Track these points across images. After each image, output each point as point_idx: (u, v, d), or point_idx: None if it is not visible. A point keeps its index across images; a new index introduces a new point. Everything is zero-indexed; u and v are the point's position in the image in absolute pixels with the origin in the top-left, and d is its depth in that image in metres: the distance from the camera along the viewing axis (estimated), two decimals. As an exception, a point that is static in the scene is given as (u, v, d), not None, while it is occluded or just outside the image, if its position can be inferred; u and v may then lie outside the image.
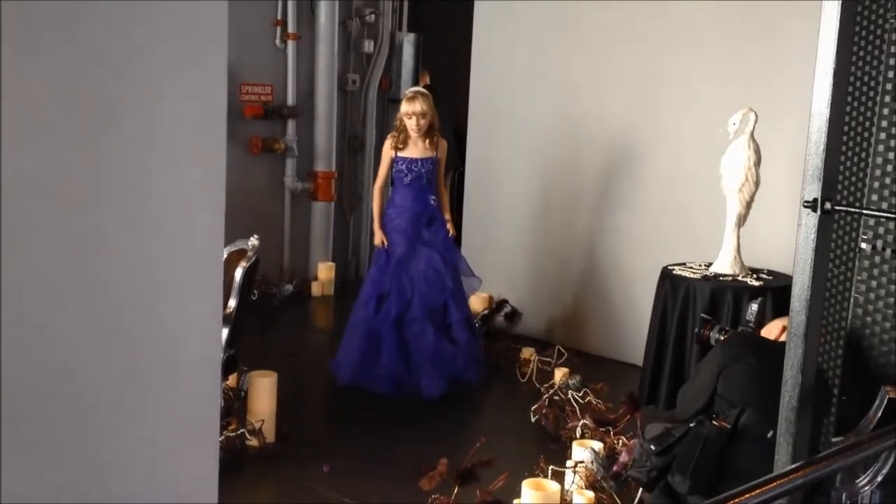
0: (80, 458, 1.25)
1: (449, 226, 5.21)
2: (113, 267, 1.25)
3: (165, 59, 1.26)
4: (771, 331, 3.62)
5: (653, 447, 3.32)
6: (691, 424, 3.25)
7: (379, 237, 5.20)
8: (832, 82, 2.18)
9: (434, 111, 5.06)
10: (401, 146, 5.10)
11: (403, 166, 5.11)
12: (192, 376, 1.38)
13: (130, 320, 1.28)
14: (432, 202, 5.16)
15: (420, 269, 5.08)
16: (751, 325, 3.72)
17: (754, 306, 3.77)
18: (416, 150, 5.10)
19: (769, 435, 2.86)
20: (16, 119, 1.10)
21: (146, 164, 1.26)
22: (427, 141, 5.07)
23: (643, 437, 3.55)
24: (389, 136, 5.22)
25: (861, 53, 2.82)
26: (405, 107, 5.03)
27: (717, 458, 3.13)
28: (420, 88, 5.18)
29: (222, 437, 3.90)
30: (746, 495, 1.49)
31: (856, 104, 2.86)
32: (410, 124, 5.00)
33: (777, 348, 3.38)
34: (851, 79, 2.80)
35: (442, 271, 5.09)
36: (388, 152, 5.15)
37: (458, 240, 5.57)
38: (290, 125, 7.13)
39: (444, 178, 5.39)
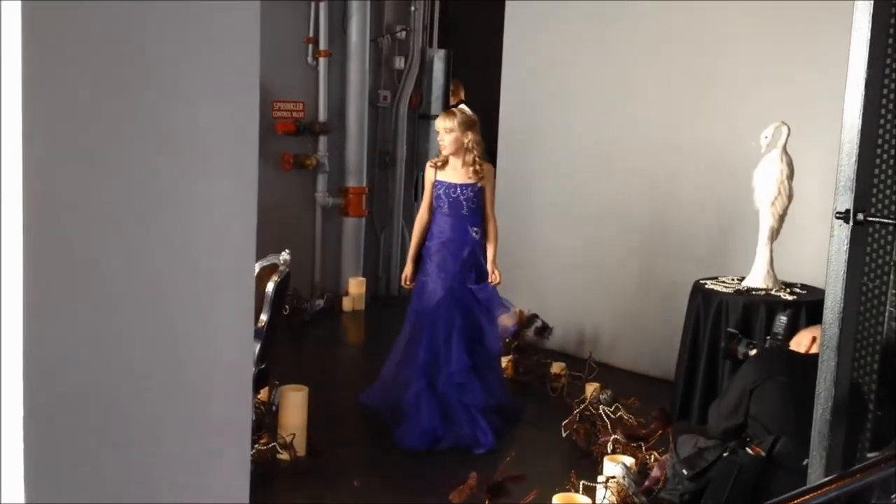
0: (112, 471, 1.26)
1: (492, 272, 4.73)
2: (146, 281, 1.27)
3: (198, 77, 1.28)
4: (800, 342, 3.58)
5: (685, 471, 3.30)
6: (725, 453, 3.21)
7: (406, 273, 4.82)
8: (864, 92, 2.16)
9: (473, 132, 4.59)
10: (440, 165, 4.69)
11: (441, 191, 4.66)
12: (224, 390, 1.40)
13: (163, 334, 1.30)
14: (474, 234, 4.67)
15: (455, 316, 4.62)
16: (779, 337, 3.69)
17: (783, 318, 3.73)
18: (455, 174, 4.65)
19: (804, 463, 2.83)
20: (51, 136, 1.13)
21: (179, 181, 1.28)
22: (467, 165, 4.61)
23: (675, 451, 3.53)
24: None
25: (894, 64, 2.80)
26: (436, 123, 4.72)
27: (751, 486, 3.10)
28: (464, 107, 4.92)
29: (254, 451, 3.92)
30: (779, 509, 1.47)
31: (889, 115, 2.83)
32: (439, 142, 4.66)
33: (809, 362, 3.33)
34: (885, 90, 2.77)
35: (481, 324, 4.68)
36: (428, 174, 4.75)
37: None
38: (322, 141, 7.19)
39: (493, 205, 4.86)
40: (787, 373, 3.27)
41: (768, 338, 3.89)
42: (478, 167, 4.60)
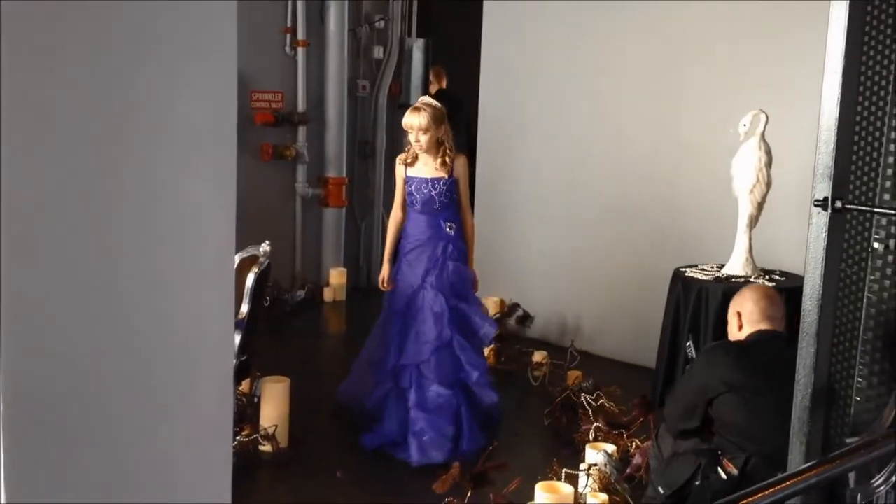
0: (94, 464, 1.26)
1: (470, 267, 4.46)
2: (125, 274, 1.26)
3: (175, 68, 1.27)
4: (732, 328, 3.53)
5: (661, 489, 3.33)
6: (699, 469, 3.21)
7: (382, 274, 4.52)
8: (841, 79, 2.18)
9: (444, 125, 4.32)
10: (410, 161, 4.41)
11: (412, 188, 4.39)
12: (205, 382, 1.39)
13: (143, 327, 1.29)
14: (448, 230, 4.39)
15: (419, 318, 4.35)
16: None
17: (689, 345, 3.84)
18: (426, 168, 4.37)
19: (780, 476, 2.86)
20: (26, 131, 1.11)
21: (157, 172, 1.27)
22: (438, 159, 4.33)
23: (656, 443, 3.53)
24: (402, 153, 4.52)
25: (871, 51, 2.81)
26: (405, 119, 4.35)
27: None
28: (429, 100, 4.41)
29: (235, 443, 3.91)
30: (759, 494, 1.48)
31: (866, 102, 2.84)
32: (411, 140, 4.34)
33: (754, 353, 3.33)
34: (862, 77, 2.78)
35: (442, 317, 4.33)
36: (398, 171, 4.46)
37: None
38: (301, 132, 7.16)
39: (468, 200, 4.55)
40: (738, 376, 3.24)
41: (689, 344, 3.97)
42: (449, 159, 4.33)
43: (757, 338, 3.41)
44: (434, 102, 4.37)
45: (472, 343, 4.42)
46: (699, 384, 3.33)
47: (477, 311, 4.50)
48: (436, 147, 4.32)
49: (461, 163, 4.40)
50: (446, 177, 4.34)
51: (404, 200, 4.45)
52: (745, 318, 3.46)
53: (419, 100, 4.46)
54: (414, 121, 4.29)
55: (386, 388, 4.38)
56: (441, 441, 4.20)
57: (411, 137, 4.31)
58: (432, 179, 4.35)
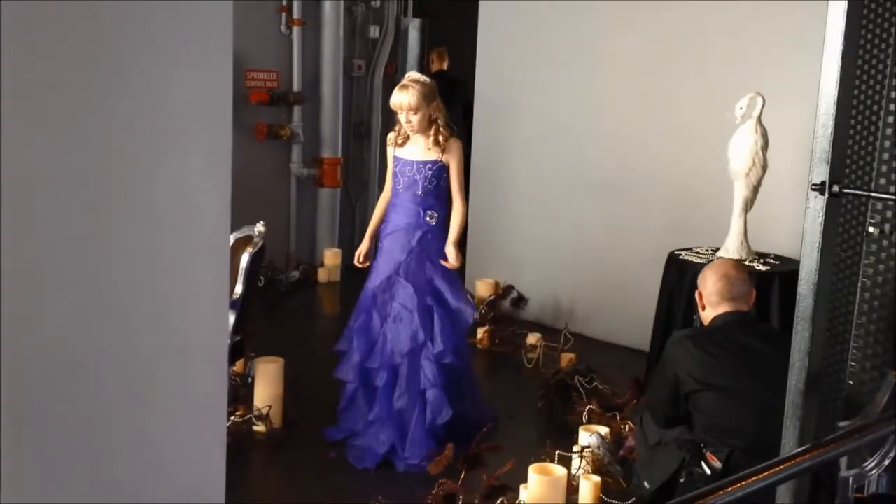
0: (87, 447, 1.25)
1: (451, 255, 4.06)
2: (118, 255, 1.25)
3: (170, 46, 1.25)
4: (703, 311, 3.43)
5: (646, 484, 3.31)
6: (682, 464, 3.18)
7: (358, 251, 4.28)
8: (840, 63, 2.17)
9: (436, 101, 4.00)
10: (400, 142, 4.09)
11: (397, 168, 4.08)
12: (199, 363, 1.39)
13: (136, 308, 1.28)
14: (428, 219, 4.05)
15: (390, 310, 4.06)
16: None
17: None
18: (415, 149, 4.06)
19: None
20: (18, 108, 1.10)
21: (151, 152, 1.26)
22: (430, 138, 4.00)
23: (641, 428, 3.51)
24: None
25: (869, 35, 2.80)
26: (393, 98, 4.01)
27: None
28: (417, 75, 4.06)
29: (229, 423, 3.92)
30: (753, 478, 1.49)
31: (864, 87, 2.84)
32: (401, 120, 4.01)
33: (719, 340, 3.25)
34: (860, 61, 2.78)
35: (413, 316, 4.01)
36: (389, 151, 4.18)
37: (461, 273, 4.43)
38: (296, 111, 7.13)
39: (462, 185, 4.20)
40: (707, 372, 3.16)
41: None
42: (442, 138, 3.99)
43: (721, 323, 3.30)
44: (423, 78, 4.04)
45: (448, 343, 4.03)
46: (671, 379, 3.25)
47: (458, 298, 4.13)
48: (428, 126, 4.00)
49: (455, 146, 4.06)
50: (435, 160, 4.02)
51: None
52: (706, 300, 3.36)
53: (406, 76, 4.09)
54: (403, 99, 3.94)
55: (354, 385, 4.13)
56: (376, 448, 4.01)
57: (401, 118, 3.99)
58: (419, 163, 4.03)
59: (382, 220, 4.22)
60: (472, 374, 4.44)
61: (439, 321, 4.03)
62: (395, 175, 4.11)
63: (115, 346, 1.26)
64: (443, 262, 4.07)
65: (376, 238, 4.25)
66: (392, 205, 4.14)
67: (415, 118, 3.96)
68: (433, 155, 4.02)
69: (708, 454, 3.14)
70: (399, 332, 4.01)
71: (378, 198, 4.36)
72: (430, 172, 4.03)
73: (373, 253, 4.27)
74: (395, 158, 4.12)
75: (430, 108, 3.98)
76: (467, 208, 4.24)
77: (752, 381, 3.15)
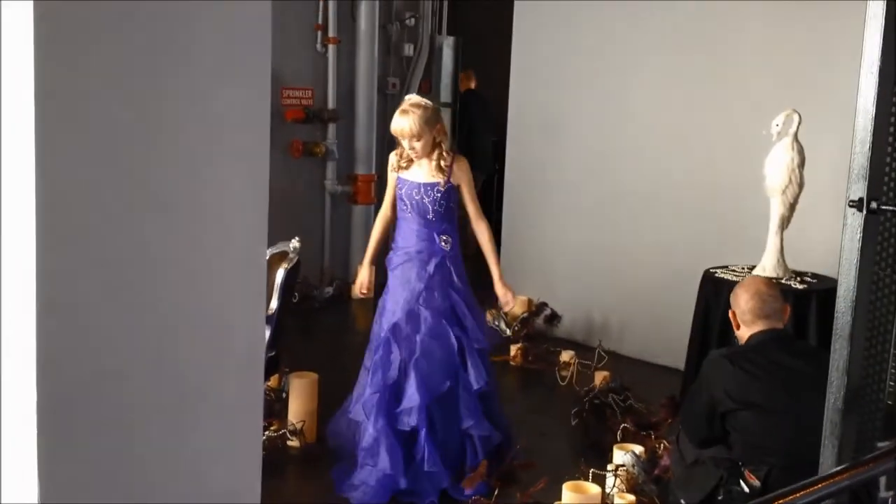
0: (125, 457, 1.27)
1: (504, 294, 3.95)
2: (158, 269, 1.27)
3: (210, 65, 1.28)
4: (739, 331, 3.40)
5: (683, 502, 3.28)
6: (720, 482, 3.14)
7: (359, 281, 4.07)
8: (877, 79, 2.15)
9: (439, 124, 3.82)
10: (404, 165, 3.87)
11: (403, 191, 3.87)
12: (235, 376, 1.40)
13: (175, 322, 1.30)
14: (443, 244, 3.84)
15: (415, 345, 3.78)
16: None
17: None
18: (420, 172, 3.84)
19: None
20: (63, 123, 1.13)
21: (191, 168, 1.28)
22: (433, 163, 3.80)
23: (678, 447, 3.48)
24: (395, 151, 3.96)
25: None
26: (393, 125, 3.81)
27: None
28: (417, 99, 3.84)
29: (264, 438, 3.94)
30: (791, 496, 1.47)
31: (902, 103, 2.81)
32: (405, 147, 3.82)
33: (756, 359, 3.21)
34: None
35: (446, 349, 3.78)
36: (390, 171, 3.95)
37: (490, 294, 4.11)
38: (331, 129, 7.18)
39: (478, 205, 3.98)
40: (744, 392, 3.13)
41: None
42: (444, 163, 3.79)
43: (758, 341, 3.27)
44: (423, 102, 3.81)
45: (482, 373, 3.84)
46: (707, 398, 3.22)
47: (481, 324, 3.92)
48: (431, 150, 3.80)
49: (461, 167, 3.84)
50: (443, 182, 3.80)
51: (394, 201, 3.95)
52: (740, 318, 3.33)
53: (406, 100, 3.86)
54: (404, 126, 3.73)
55: (377, 428, 3.76)
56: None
57: (404, 144, 3.80)
58: (426, 185, 3.81)
59: (382, 241, 4.02)
60: (499, 398, 4.19)
61: (469, 351, 3.82)
62: (400, 199, 3.88)
63: (153, 360, 1.28)
64: (501, 306, 4.04)
65: (377, 262, 4.04)
66: (400, 230, 3.92)
67: (418, 145, 3.76)
68: (439, 177, 3.81)
69: (746, 472, 3.10)
70: (433, 368, 3.74)
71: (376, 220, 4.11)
72: (440, 195, 3.81)
73: (374, 283, 4.00)
74: (400, 180, 3.89)
75: (433, 132, 3.77)
76: (491, 229, 4.01)
77: (789, 399, 3.11)
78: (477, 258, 4.23)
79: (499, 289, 3.96)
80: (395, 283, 3.89)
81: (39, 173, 1.10)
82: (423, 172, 3.83)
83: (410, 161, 3.84)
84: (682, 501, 3.28)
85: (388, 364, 3.79)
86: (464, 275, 3.89)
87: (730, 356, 3.29)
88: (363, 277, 4.05)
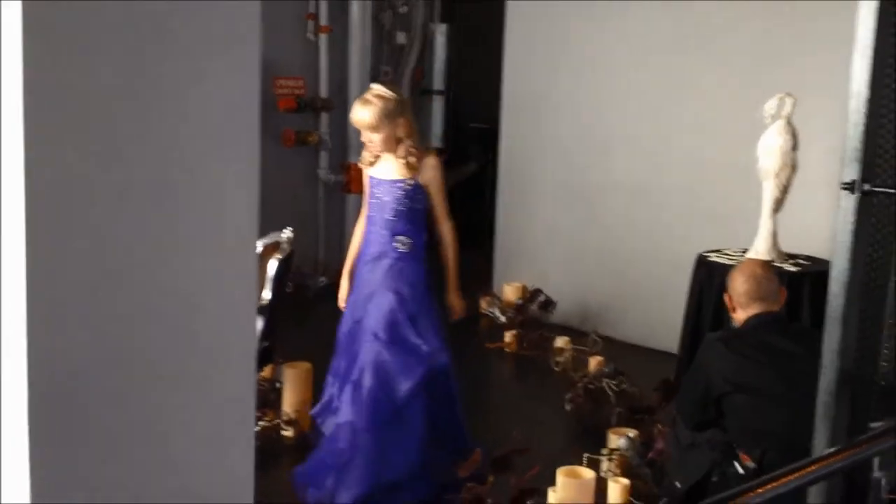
0: (116, 448, 1.27)
1: (454, 304, 3.66)
2: (148, 260, 1.26)
3: (199, 54, 1.27)
4: (730, 313, 3.43)
5: (678, 484, 3.30)
6: (713, 465, 3.16)
7: (341, 294, 3.78)
8: (871, 62, 2.15)
9: (401, 118, 3.48)
10: (372, 160, 3.59)
11: (372, 188, 3.59)
12: (228, 367, 1.40)
13: (167, 312, 1.30)
14: (399, 246, 3.55)
15: (357, 351, 3.58)
16: None
17: None
18: (388, 167, 3.55)
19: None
20: (48, 114, 1.12)
21: (179, 158, 1.28)
22: (400, 160, 3.50)
23: (675, 431, 3.50)
24: None
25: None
26: (351, 114, 3.57)
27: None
28: (382, 90, 3.50)
29: (258, 428, 3.94)
30: (785, 479, 1.47)
31: (895, 85, 2.81)
32: (366, 143, 3.54)
33: (752, 341, 3.24)
34: (890, 59, 2.75)
35: (383, 357, 3.52)
36: (364, 169, 3.67)
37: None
38: (324, 118, 7.16)
39: (446, 208, 3.63)
40: (740, 375, 3.14)
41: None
42: (411, 159, 3.49)
43: (753, 324, 3.29)
44: (386, 93, 3.48)
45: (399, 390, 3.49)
46: (703, 381, 3.25)
47: (425, 339, 3.52)
48: (394, 145, 3.50)
49: (430, 164, 3.54)
50: (408, 180, 3.51)
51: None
52: (736, 302, 3.36)
53: (370, 89, 3.55)
54: (362, 116, 3.46)
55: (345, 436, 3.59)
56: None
57: (363, 136, 3.53)
58: (389, 182, 3.53)
59: (357, 254, 3.74)
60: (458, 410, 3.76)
61: (395, 365, 3.50)
62: (370, 196, 3.63)
63: (142, 351, 1.27)
64: (452, 315, 3.64)
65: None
66: (366, 231, 3.65)
67: (376, 137, 3.48)
68: (404, 174, 3.51)
69: (741, 454, 3.13)
70: (372, 384, 3.50)
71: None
72: (402, 193, 3.51)
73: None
74: (370, 178, 3.62)
75: (395, 127, 3.46)
76: (455, 234, 3.65)
77: (784, 382, 3.13)
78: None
79: (450, 298, 3.66)
80: (353, 291, 3.68)
81: (27, 165, 1.10)
82: (390, 169, 3.54)
83: (378, 156, 3.57)
84: (678, 484, 3.29)
85: (342, 374, 3.65)
86: (421, 280, 3.56)
87: (725, 339, 3.30)
88: (342, 292, 3.77)
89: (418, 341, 3.51)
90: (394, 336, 3.50)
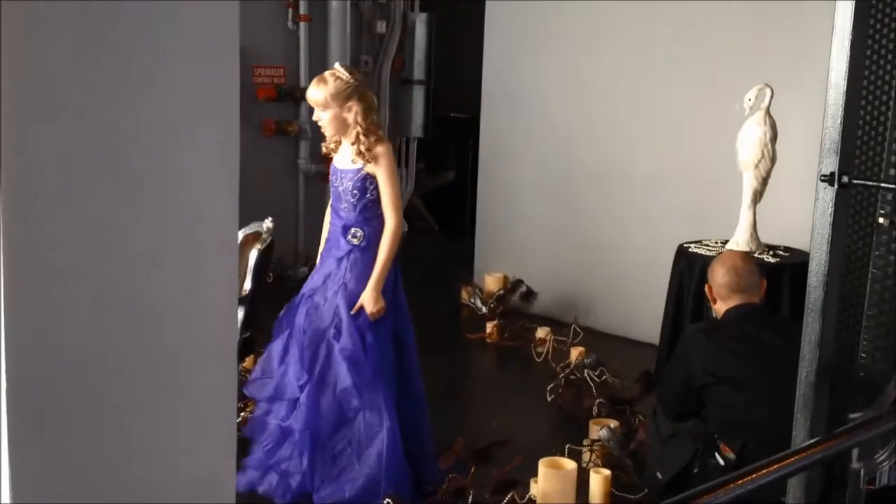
0: (94, 442, 1.26)
1: (366, 299, 3.37)
2: (126, 250, 1.25)
3: (176, 42, 1.25)
4: (711, 304, 3.46)
5: (659, 475, 3.31)
6: (695, 456, 3.18)
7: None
8: (849, 54, 2.16)
9: (353, 101, 3.36)
10: (332, 146, 3.53)
11: (330, 177, 3.56)
12: (208, 358, 1.39)
13: (146, 303, 1.29)
14: (351, 240, 3.45)
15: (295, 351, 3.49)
16: None
17: None
18: (344, 156, 3.47)
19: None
20: (25, 104, 1.10)
21: (158, 148, 1.26)
22: (353, 146, 3.39)
23: (655, 421, 3.52)
24: None
25: (879, 25, 2.79)
26: (307, 94, 3.48)
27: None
28: (339, 70, 3.41)
29: (239, 419, 3.92)
30: (765, 470, 1.48)
31: (873, 77, 2.82)
32: (317, 122, 3.47)
33: (733, 333, 3.27)
34: (868, 51, 2.76)
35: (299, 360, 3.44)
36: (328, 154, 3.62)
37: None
38: (303, 107, 7.11)
39: (394, 200, 3.43)
40: (721, 366, 3.18)
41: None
42: (363, 147, 3.35)
43: (734, 316, 3.32)
44: (343, 74, 3.38)
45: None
46: (684, 373, 3.27)
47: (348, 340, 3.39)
48: (344, 129, 3.40)
49: (381, 151, 3.37)
50: (358, 169, 3.39)
51: None
52: (716, 293, 3.38)
53: (331, 69, 3.47)
54: (312, 94, 3.39)
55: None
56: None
57: (314, 115, 3.47)
58: (342, 171, 3.45)
59: None
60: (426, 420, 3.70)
61: (327, 366, 3.41)
62: (330, 185, 3.57)
63: (123, 342, 1.26)
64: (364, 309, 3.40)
65: None
66: (329, 221, 3.60)
67: (324, 116, 3.39)
68: (356, 163, 3.40)
69: (722, 445, 3.14)
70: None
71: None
72: (351, 183, 3.40)
73: None
74: (331, 166, 3.56)
75: (344, 110, 3.36)
76: (399, 226, 3.43)
77: (765, 373, 3.15)
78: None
79: (364, 295, 3.39)
80: (315, 270, 3.63)
81: (2, 159, 1.08)
82: (345, 157, 3.45)
83: (339, 143, 3.48)
84: (659, 475, 3.31)
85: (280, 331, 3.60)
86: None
87: (706, 331, 3.32)
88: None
89: (367, 337, 3.39)
90: (340, 333, 3.40)
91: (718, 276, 3.37)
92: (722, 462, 3.12)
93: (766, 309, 3.51)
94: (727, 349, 3.20)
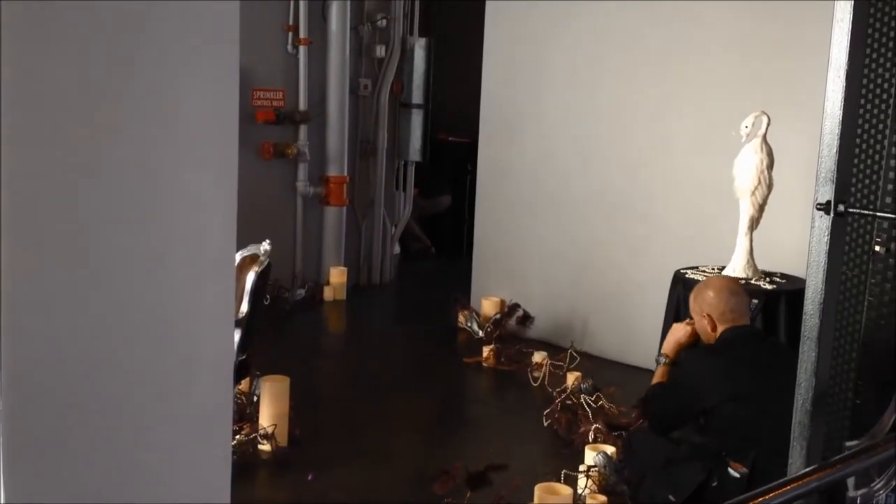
0: (93, 461, 1.25)
1: None
2: (126, 272, 1.25)
3: (177, 65, 1.26)
4: (705, 330, 3.50)
5: (672, 498, 3.31)
6: (705, 474, 3.18)
7: None
8: (844, 83, 2.17)
9: None
10: None
11: None
12: (205, 381, 1.39)
13: (143, 325, 1.29)
14: None
15: None
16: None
17: (755, 301, 3.74)
18: None
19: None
20: (25, 123, 1.11)
21: (159, 170, 1.27)
22: None
23: (631, 448, 3.53)
24: None
25: (874, 54, 2.80)
26: None
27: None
28: None
29: (235, 442, 3.91)
30: (760, 499, 1.48)
31: (869, 106, 2.84)
32: None
33: (739, 351, 3.31)
34: (865, 80, 2.78)
35: None
36: None
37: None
38: (302, 130, 7.15)
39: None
40: (733, 385, 3.22)
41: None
42: None
43: (734, 335, 3.40)
44: None
45: None
46: (689, 393, 3.30)
47: None
48: None
49: None
50: None
51: None
52: (718, 319, 3.45)
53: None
54: None
55: None
56: None
57: None
58: None
59: None
60: None
61: None
62: None
63: (121, 362, 1.26)
64: None
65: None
66: None
67: None
68: None
69: (731, 462, 3.17)
70: None
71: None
72: None
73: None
74: None
75: None
76: None
77: (768, 389, 3.18)
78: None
79: None
80: None
81: (4, 175, 1.09)
82: None
83: None
84: (671, 497, 3.31)
85: None
86: None
87: (709, 352, 3.38)
88: None
89: None
90: None
91: (717, 302, 3.41)
92: (737, 475, 3.15)
93: (761, 330, 3.59)
94: (732, 367, 3.27)
